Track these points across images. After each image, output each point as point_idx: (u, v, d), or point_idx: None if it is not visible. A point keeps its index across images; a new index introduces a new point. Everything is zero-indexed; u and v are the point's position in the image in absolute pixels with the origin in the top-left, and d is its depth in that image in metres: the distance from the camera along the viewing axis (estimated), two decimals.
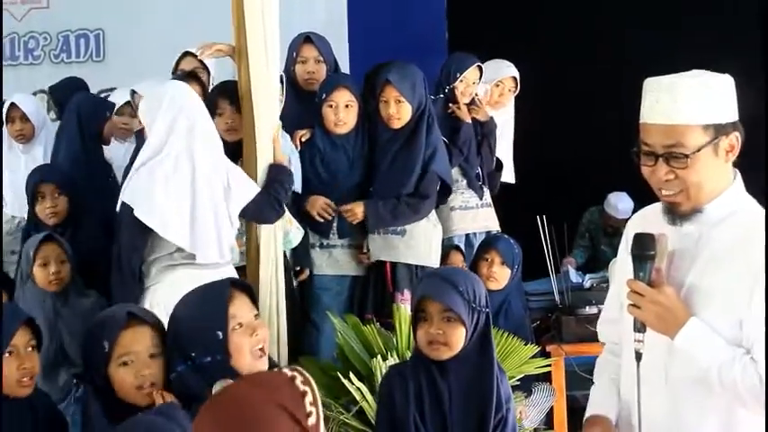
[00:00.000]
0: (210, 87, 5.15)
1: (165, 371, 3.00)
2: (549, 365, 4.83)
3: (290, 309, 4.57)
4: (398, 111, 4.96)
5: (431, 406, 3.15)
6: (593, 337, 5.10)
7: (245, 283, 3.20)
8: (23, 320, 3.14)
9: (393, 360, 4.00)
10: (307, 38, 5.29)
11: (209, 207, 4.20)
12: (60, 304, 4.50)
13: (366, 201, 4.96)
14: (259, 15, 4.42)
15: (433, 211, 5.11)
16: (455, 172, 5.50)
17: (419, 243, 4.99)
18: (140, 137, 5.02)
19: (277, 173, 4.47)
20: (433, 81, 5.63)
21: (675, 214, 2.61)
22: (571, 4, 7.62)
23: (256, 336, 2.99)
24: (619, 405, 2.85)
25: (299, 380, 1.86)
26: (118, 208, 4.23)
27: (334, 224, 5.02)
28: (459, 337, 3.13)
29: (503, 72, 6.11)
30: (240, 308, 3.00)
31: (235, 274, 4.30)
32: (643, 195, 2.83)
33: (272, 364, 3.12)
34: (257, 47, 4.44)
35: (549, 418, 5.22)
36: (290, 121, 4.90)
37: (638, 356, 2.62)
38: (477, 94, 5.79)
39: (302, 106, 5.08)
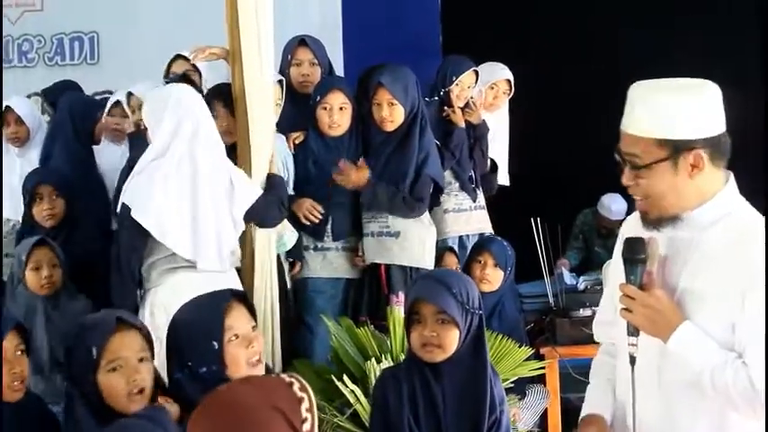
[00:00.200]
0: (202, 90, 5.15)
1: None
2: (543, 368, 4.84)
3: (284, 312, 4.57)
4: (391, 113, 4.96)
5: (425, 408, 3.15)
6: (588, 340, 5.13)
7: (244, 293, 3.20)
8: (12, 326, 3.14)
9: (387, 363, 4.00)
10: (301, 41, 5.29)
11: (211, 212, 4.19)
12: (51, 308, 4.50)
13: (367, 179, 4.95)
14: (253, 18, 4.42)
15: (427, 213, 5.10)
16: (448, 175, 5.51)
17: (413, 245, 4.99)
18: (134, 139, 5.01)
19: (275, 179, 4.49)
20: (428, 84, 5.63)
21: (646, 221, 2.64)
22: (565, 6, 7.62)
23: (252, 348, 2.99)
24: (614, 406, 2.86)
25: (296, 386, 1.86)
26: (118, 209, 4.22)
27: (329, 226, 5.02)
28: (452, 340, 3.14)
29: (497, 75, 6.11)
30: (237, 319, 3.00)
31: (237, 279, 4.30)
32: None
33: (267, 370, 3.12)
34: (251, 49, 4.44)
35: (542, 421, 5.23)
36: (284, 124, 4.92)
37: (633, 360, 2.63)
38: (471, 97, 5.79)
39: (297, 109, 5.08)
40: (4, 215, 5.34)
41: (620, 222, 7.34)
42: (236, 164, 4.41)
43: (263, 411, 1.80)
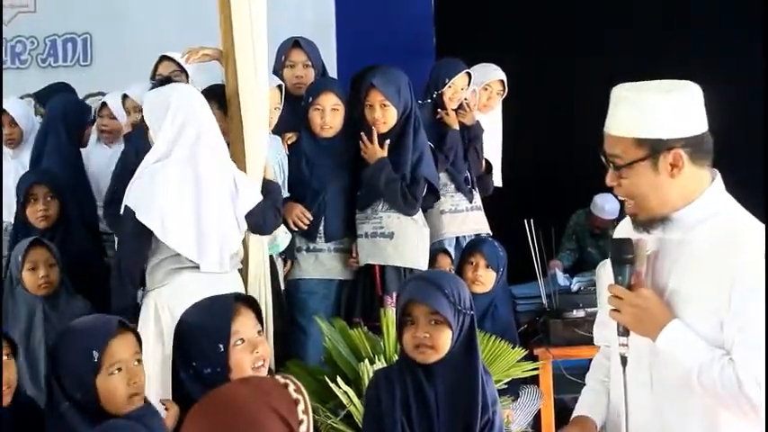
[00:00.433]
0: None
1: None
2: (537, 369, 4.85)
3: (277, 313, 4.57)
4: (384, 115, 4.97)
5: (417, 409, 3.15)
6: (581, 341, 5.20)
7: (252, 298, 3.20)
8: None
9: (381, 364, 4.00)
10: (295, 42, 5.30)
11: (214, 215, 4.20)
12: (50, 308, 4.50)
13: (384, 157, 4.96)
14: (247, 19, 4.42)
15: (421, 214, 5.11)
16: (443, 176, 5.51)
17: (408, 246, 4.99)
18: (130, 140, 5.01)
19: (271, 186, 4.50)
20: (421, 85, 5.63)
21: (636, 223, 2.67)
22: (558, 7, 7.63)
23: (257, 353, 2.99)
24: (608, 407, 2.87)
25: (291, 387, 1.86)
26: (121, 212, 4.22)
27: (321, 227, 5.02)
28: (445, 340, 3.14)
29: (490, 76, 6.12)
30: (244, 324, 3.01)
31: (240, 280, 4.30)
32: None
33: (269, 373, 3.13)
34: (245, 50, 4.44)
35: (536, 422, 5.23)
36: (278, 125, 4.92)
37: (624, 360, 2.65)
38: (465, 99, 5.79)
39: (290, 110, 5.08)
40: None
41: (612, 222, 7.41)
42: None
43: (260, 412, 1.80)
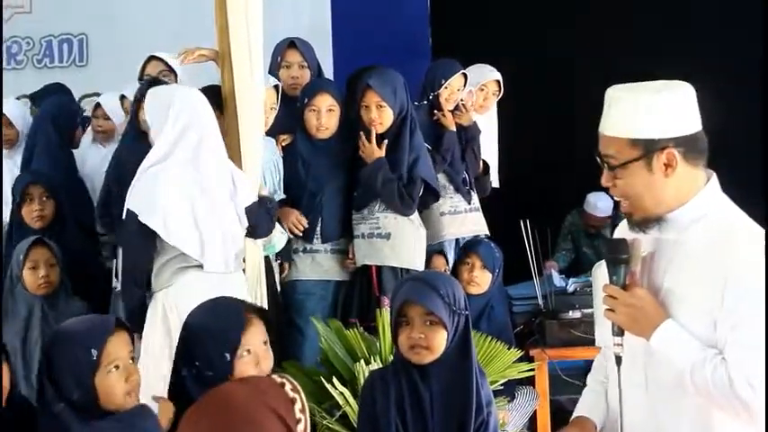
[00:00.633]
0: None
1: None
2: (533, 369, 4.85)
3: (274, 314, 4.57)
4: (380, 116, 4.97)
5: (412, 410, 3.15)
6: (577, 342, 5.21)
7: (263, 309, 3.20)
8: None
9: (376, 364, 4.01)
10: (291, 43, 5.30)
11: (215, 216, 4.21)
12: (48, 308, 4.51)
13: (381, 157, 4.96)
14: (243, 19, 4.42)
15: (417, 215, 5.11)
16: (442, 178, 5.50)
17: (404, 246, 4.99)
18: (127, 140, 4.99)
19: (265, 199, 4.53)
20: (417, 86, 5.63)
21: (632, 223, 2.68)
22: (554, 7, 7.63)
23: (258, 365, 2.99)
24: (607, 408, 2.88)
25: (288, 387, 1.86)
26: (123, 215, 4.22)
27: (318, 228, 5.02)
28: (440, 341, 3.14)
29: (486, 76, 6.12)
30: (253, 337, 2.99)
31: (244, 280, 4.32)
32: None
33: None
34: (241, 51, 4.44)
35: (532, 423, 5.24)
36: (273, 126, 4.91)
37: (618, 360, 2.66)
38: (462, 100, 5.79)
39: (286, 111, 5.07)
40: None
41: (606, 220, 7.42)
42: None
43: (258, 411, 1.79)
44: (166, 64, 5.39)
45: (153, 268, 4.20)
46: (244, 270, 4.43)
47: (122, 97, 5.45)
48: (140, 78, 5.30)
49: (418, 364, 3.17)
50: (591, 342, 4.76)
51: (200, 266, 4.17)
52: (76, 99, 6.46)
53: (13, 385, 3.24)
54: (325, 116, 4.96)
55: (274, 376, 1.90)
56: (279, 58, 5.26)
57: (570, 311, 5.42)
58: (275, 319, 4.56)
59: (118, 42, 7.36)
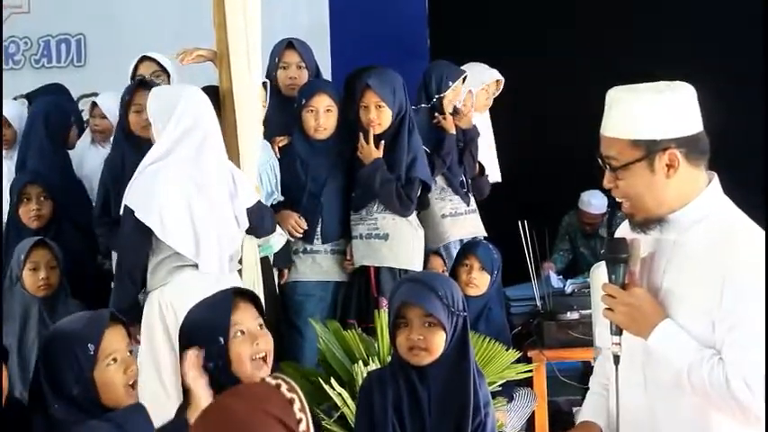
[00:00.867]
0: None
1: None
2: (531, 371, 4.84)
3: (273, 314, 4.56)
4: (379, 116, 4.96)
5: (410, 411, 3.15)
6: (575, 343, 5.21)
7: (253, 293, 3.20)
8: None
9: (374, 365, 4.00)
10: (289, 43, 5.29)
11: (213, 217, 4.21)
12: (46, 310, 4.50)
13: (380, 158, 4.95)
14: (241, 20, 4.42)
15: (415, 216, 5.10)
16: (440, 180, 5.50)
17: (402, 247, 4.99)
18: (119, 140, 4.98)
19: (261, 203, 4.53)
20: (415, 87, 5.61)
21: (633, 224, 2.67)
22: (553, 7, 7.63)
23: (257, 345, 2.99)
24: (606, 410, 2.88)
25: (284, 387, 1.85)
26: (121, 211, 4.23)
27: (318, 228, 5.02)
28: (439, 343, 3.14)
29: (491, 76, 6.11)
30: (243, 316, 3.00)
31: (240, 281, 4.31)
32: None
33: None
34: (239, 51, 4.45)
35: (530, 424, 5.23)
36: (271, 127, 4.90)
37: (616, 359, 2.66)
38: (459, 102, 5.77)
39: (284, 112, 5.07)
40: None
41: (601, 218, 7.43)
42: None
43: (258, 423, 1.78)
44: (159, 64, 5.38)
45: (149, 266, 4.20)
46: (240, 271, 4.43)
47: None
48: (132, 78, 5.30)
49: (416, 365, 3.16)
50: (589, 343, 4.76)
51: (196, 265, 4.17)
52: (74, 99, 6.45)
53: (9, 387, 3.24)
54: (323, 116, 4.96)
55: (268, 378, 1.88)
56: (277, 59, 5.25)
57: (568, 312, 5.41)
58: (274, 319, 4.58)
59: (116, 42, 7.34)
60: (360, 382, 3.87)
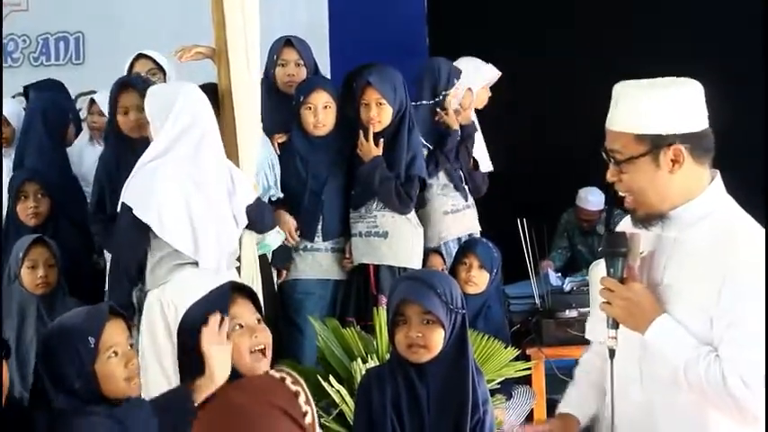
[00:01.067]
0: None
1: None
2: (529, 368, 4.84)
3: (272, 312, 4.56)
4: (379, 113, 4.95)
5: (408, 408, 3.15)
6: (574, 341, 5.19)
7: (250, 288, 3.21)
8: None
9: (373, 363, 4.01)
10: (287, 41, 5.28)
11: (212, 214, 4.22)
12: (44, 308, 4.50)
13: (379, 156, 4.95)
14: (239, 17, 4.43)
15: (414, 214, 5.10)
16: (443, 176, 5.49)
17: (402, 245, 4.99)
18: (110, 139, 4.96)
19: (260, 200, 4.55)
20: (413, 86, 5.60)
21: (635, 219, 2.68)
22: (552, 4, 7.63)
23: (256, 338, 2.99)
24: (596, 402, 2.91)
25: (288, 380, 1.85)
26: (118, 209, 4.22)
27: (320, 226, 5.01)
28: (438, 340, 3.13)
29: (492, 73, 6.10)
30: (242, 311, 3.00)
31: (238, 277, 4.31)
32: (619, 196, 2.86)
33: None
34: (238, 50, 4.45)
35: (528, 421, 5.22)
36: (269, 124, 4.90)
37: (612, 353, 2.66)
38: (458, 98, 5.75)
39: (282, 109, 5.07)
40: None
41: (599, 214, 7.44)
42: None
43: (264, 414, 1.79)
44: (155, 62, 5.37)
45: (147, 264, 4.20)
46: (239, 269, 4.43)
47: None
48: (128, 75, 5.29)
49: (415, 362, 3.16)
50: (587, 341, 4.75)
51: (196, 263, 4.17)
52: (73, 97, 6.44)
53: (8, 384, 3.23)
54: (321, 113, 4.95)
55: (273, 372, 1.89)
56: (275, 57, 5.24)
57: (567, 310, 5.41)
58: (273, 316, 4.58)
59: (114, 41, 7.34)
60: (358, 379, 3.87)
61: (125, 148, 4.71)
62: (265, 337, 3.01)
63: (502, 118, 6.33)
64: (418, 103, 5.46)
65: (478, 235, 5.60)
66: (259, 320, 3.04)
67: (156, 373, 4.01)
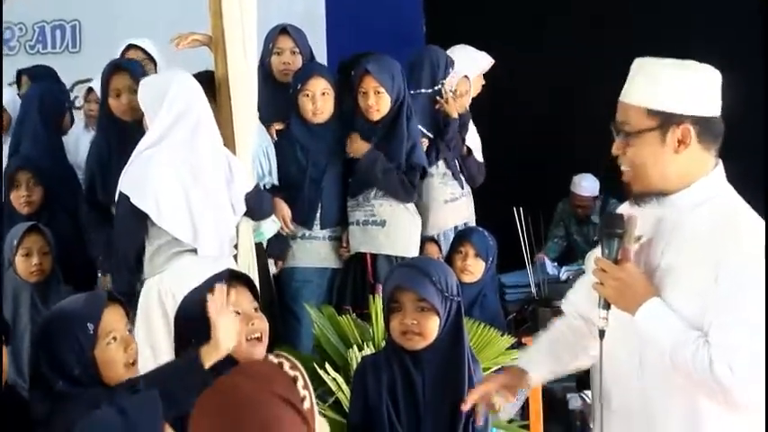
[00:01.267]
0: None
1: None
2: None
3: (268, 299, 4.57)
4: (378, 102, 4.94)
5: (404, 395, 3.16)
6: None
7: (248, 276, 3.21)
8: None
9: (369, 351, 4.00)
10: (283, 29, 5.26)
11: (210, 200, 4.22)
12: (38, 296, 4.50)
13: (374, 149, 4.95)
14: (236, 7, 4.44)
15: (412, 203, 5.10)
16: (442, 165, 5.48)
17: (399, 234, 4.99)
18: (102, 123, 4.96)
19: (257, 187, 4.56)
20: (410, 75, 5.58)
21: (631, 195, 2.70)
22: None
23: (253, 325, 3.01)
24: (548, 365, 3.01)
25: (286, 365, 1.85)
26: (116, 198, 4.22)
27: (318, 214, 5.01)
28: (432, 327, 3.14)
29: (486, 62, 6.09)
30: (239, 298, 3.02)
31: (236, 265, 4.31)
32: (616, 183, 2.86)
33: None
34: (235, 39, 4.45)
35: (524, 410, 5.23)
36: (265, 112, 4.89)
37: (602, 334, 2.67)
38: (453, 86, 5.74)
39: (278, 97, 5.06)
40: None
41: (592, 201, 7.45)
42: None
43: (264, 402, 1.78)
44: (146, 52, 5.37)
45: (145, 253, 4.20)
46: (235, 257, 4.43)
47: None
48: (120, 58, 5.29)
49: (410, 349, 3.17)
50: None
51: (194, 251, 4.17)
52: (69, 85, 6.44)
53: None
54: (320, 100, 4.94)
55: (271, 357, 1.89)
56: (270, 45, 5.22)
57: (563, 299, 5.40)
58: (268, 304, 4.59)
59: (111, 29, 7.30)
60: (354, 367, 3.87)
61: (117, 131, 4.71)
62: (262, 324, 3.03)
63: (498, 106, 6.33)
64: (416, 91, 5.44)
65: (474, 224, 5.60)
66: (256, 309, 3.06)
67: (148, 359, 4.01)
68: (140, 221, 4.16)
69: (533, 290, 5.53)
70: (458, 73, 5.70)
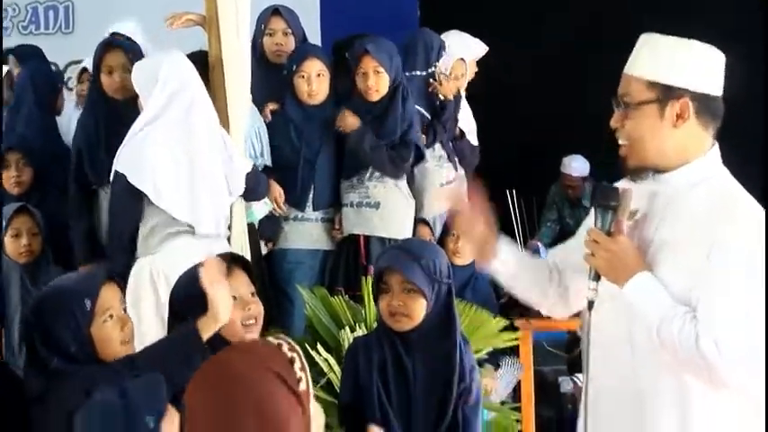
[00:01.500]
0: None
1: None
2: (517, 339, 4.85)
3: (258, 281, 4.56)
4: (377, 82, 4.93)
5: (394, 376, 3.17)
6: None
7: (246, 260, 3.21)
8: None
9: (361, 332, 4.01)
10: (275, 10, 5.25)
11: (207, 179, 4.22)
12: (28, 276, 4.50)
13: (362, 125, 4.94)
14: None
15: (406, 185, 5.09)
16: (438, 148, 5.48)
17: (393, 216, 5.00)
18: (91, 100, 4.94)
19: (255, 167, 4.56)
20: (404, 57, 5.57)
21: (626, 169, 2.69)
22: None
23: (249, 310, 3.01)
24: (521, 261, 2.99)
25: (285, 347, 1.86)
26: (111, 177, 4.21)
27: (310, 195, 5.01)
28: (419, 309, 3.15)
29: (481, 48, 6.09)
30: (237, 282, 3.01)
31: (229, 248, 4.31)
32: (611, 167, 2.86)
33: None
34: (228, 19, 4.45)
35: (515, 392, 5.25)
36: (257, 93, 4.87)
37: (590, 305, 2.66)
38: (447, 69, 5.73)
39: (270, 78, 5.05)
40: None
41: (582, 182, 7.43)
42: None
43: (261, 379, 1.78)
44: (129, 39, 5.35)
45: (140, 233, 4.20)
46: (229, 238, 4.43)
47: None
48: (113, 36, 5.26)
49: (399, 330, 3.17)
50: (576, 314, 4.76)
51: (189, 232, 4.16)
52: (62, 66, 6.42)
53: None
54: (315, 81, 4.93)
55: (270, 338, 1.90)
56: (262, 26, 5.20)
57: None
58: (260, 286, 4.58)
59: (104, 9, 7.24)
60: (346, 348, 3.88)
61: (107, 110, 4.69)
62: (257, 310, 3.03)
63: (491, 88, 6.32)
64: (411, 74, 5.43)
65: None
66: (253, 293, 3.05)
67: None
68: (137, 201, 4.16)
69: None
70: (453, 56, 5.70)
